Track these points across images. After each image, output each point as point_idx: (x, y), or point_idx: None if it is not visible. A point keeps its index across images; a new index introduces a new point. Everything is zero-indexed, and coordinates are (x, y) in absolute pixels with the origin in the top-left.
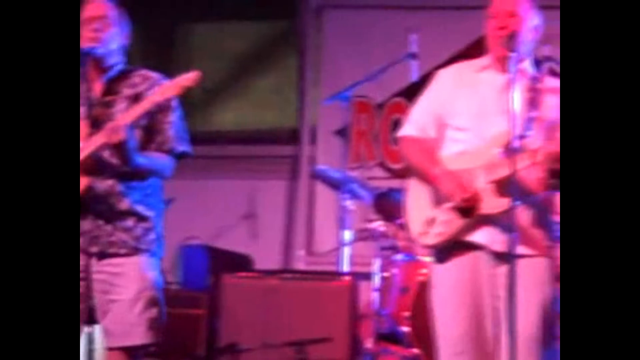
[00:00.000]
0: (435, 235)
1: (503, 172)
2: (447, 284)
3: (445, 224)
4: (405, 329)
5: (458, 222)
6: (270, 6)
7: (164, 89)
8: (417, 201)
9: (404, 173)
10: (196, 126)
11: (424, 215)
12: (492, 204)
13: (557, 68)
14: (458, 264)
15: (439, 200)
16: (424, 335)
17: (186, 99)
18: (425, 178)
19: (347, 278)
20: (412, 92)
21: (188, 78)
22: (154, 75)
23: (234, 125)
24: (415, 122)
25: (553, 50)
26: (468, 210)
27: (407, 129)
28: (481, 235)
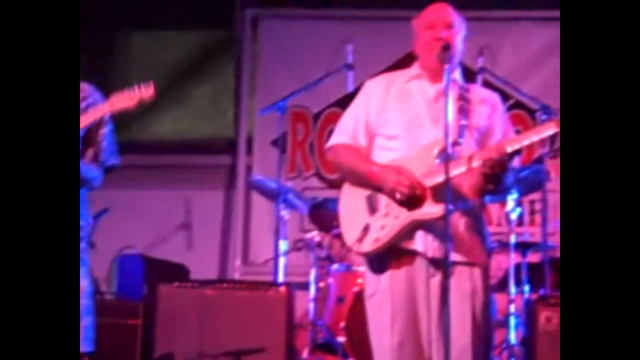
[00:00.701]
0: (371, 243)
1: (437, 178)
2: (382, 292)
3: (381, 230)
4: (341, 339)
5: (394, 228)
6: (207, 15)
7: (117, 100)
8: (351, 209)
9: (340, 183)
10: (133, 135)
11: (359, 223)
12: (427, 210)
13: (491, 78)
14: (393, 272)
15: (373, 207)
16: (359, 345)
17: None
18: (363, 178)
19: (283, 288)
20: (348, 102)
21: (144, 91)
22: (86, 87)
23: (171, 135)
24: (346, 131)
25: (487, 61)
26: (413, 201)
27: (338, 138)
28: (416, 242)
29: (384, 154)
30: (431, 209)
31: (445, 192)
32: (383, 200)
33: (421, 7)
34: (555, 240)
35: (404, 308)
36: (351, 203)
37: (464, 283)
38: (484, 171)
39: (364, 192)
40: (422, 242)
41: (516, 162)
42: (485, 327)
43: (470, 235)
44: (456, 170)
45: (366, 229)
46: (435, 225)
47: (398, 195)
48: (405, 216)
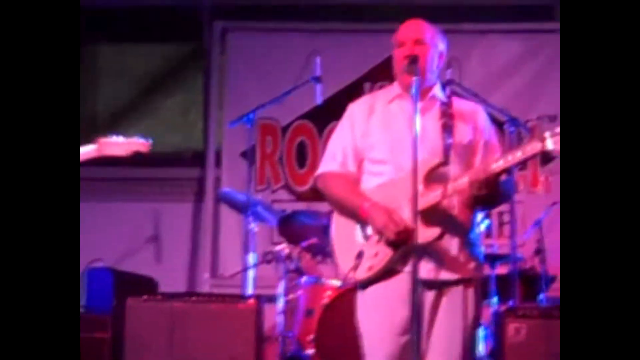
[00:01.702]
0: (365, 270)
1: (427, 201)
2: (373, 305)
3: (375, 257)
4: (310, 351)
5: (387, 254)
6: (176, 28)
7: (108, 147)
8: (343, 236)
9: (308, 196)
10: None
11: (353, 250)
12: (419, 234)
13: (459, 90)
14: (385, 287)
15: (366, 233)
16: (328, 358)
17: (91, 120)
18: (353, 212)
19: (252, 301)
20: (317, 114)
21: (141, 145)
22: None
23: None
24: (334, 158)
25: (454, 73)
26: (400, 243)
27: (328, 165)
28: (409, 265)
29: (372, 179)
30: (423, 233)
31: (435, 214)
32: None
33: (389, 20)
34: (523, 251)
35: (395, 321)
36: (344, 230)
37: (456, 301)
38: (472, 193)
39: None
40: (414, 264)
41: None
42: (473, 343)
43: (462, 253)
44: (444, 193)
45: (360, 256)
46: (426, 247)
47: (385, 238)
48: None
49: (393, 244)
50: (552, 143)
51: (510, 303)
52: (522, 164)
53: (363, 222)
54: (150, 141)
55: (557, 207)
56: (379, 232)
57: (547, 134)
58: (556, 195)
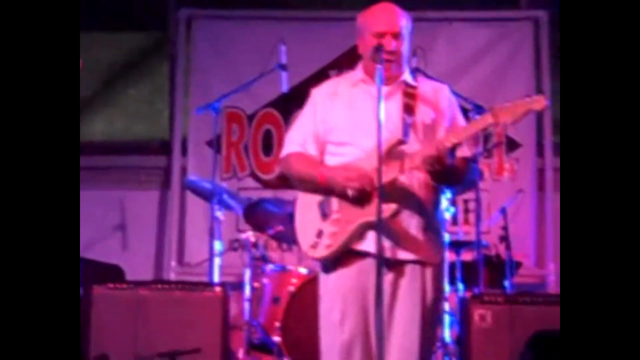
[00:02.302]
0: (325, 247)
1: (385, 178)
2: (334, 291)
3: (333, 236)
4: (277, 338)
5: (345, 231)
6: (141, 17)
7: None
8: (304, 216)
9: (274, 183)
10: None
11: (312, 229)
12: (377, 212)
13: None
14: (345, 272)
15: (325, 212)
16: (295, 345)
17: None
18: (313, 183)
19: (218, 288)
20: (283, 102)
21: None
22: None
23: (105, 136)
24: (295, 141)
25: (419, 61)
26: (365, 196)
27: (288, 148)
28: (367, 243)
29: (335, 160)
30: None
31: (393, 191)
32: (334, 204)
33: (355, 8)
34: (489, 238)
35: (354, 306)
36: (304, 211)
37: (415, 282)
38: (427, 169)
39: (316, 199)
40: (373, 242)
41: (465, 152)
42: (433, 325)
43: (422, 233)
44: (402, 169)
45: (319, 235)
46: (384, 225)
47: (349, 192)
48: (355, 219)
49: (358, 200)
50: (501, 115)
51: (476, 290)
52: (488, 152)
53: (324, 191)
54: None
55: (522, 195)
56: (342, 189)
57: (496, 107)
58: (521, 183)
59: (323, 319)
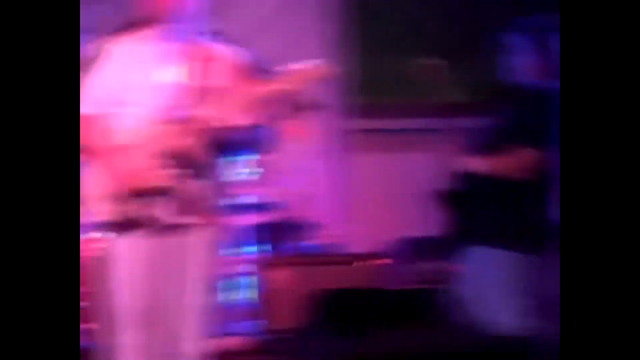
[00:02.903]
0: (110, 212)
1: (165, 143)
2: (125, 258)
3: (118, 201)
4: (84, 304)
5: (130, 199)
6: None
7: None
8: (93, 178)
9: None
10: None
11: (99, 192)
12: (159, 176)
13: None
14: (135, 238)
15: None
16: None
17: None
18: (100, 163)
19: None
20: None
21: None
22: None
23: None
24: (91, 98)
25: (217, 21)
26: (139, 193)
27: (84, 107)
28: (152, 209)
29: (125, 121)
30: (162, 176)
31: (173, 156)
32: None
33: None
34: (286, 199)
35: (146, 272)
36: (94, 171)
37: (197, 245)
38: (203, 132)
39: None
40: (157, 208)
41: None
42: (214, 286)
43: (200, 195)
44: (179, 133)
45: (105, 198)
46: (168, 190)
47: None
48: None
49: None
50: (288, 82)
51: (271, 250)
52: (289, 113)
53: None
54: None
55: (325, 156)
56: (119, 186)
57: (286, 71)
58: (319, 144)
59: (116, 285)
